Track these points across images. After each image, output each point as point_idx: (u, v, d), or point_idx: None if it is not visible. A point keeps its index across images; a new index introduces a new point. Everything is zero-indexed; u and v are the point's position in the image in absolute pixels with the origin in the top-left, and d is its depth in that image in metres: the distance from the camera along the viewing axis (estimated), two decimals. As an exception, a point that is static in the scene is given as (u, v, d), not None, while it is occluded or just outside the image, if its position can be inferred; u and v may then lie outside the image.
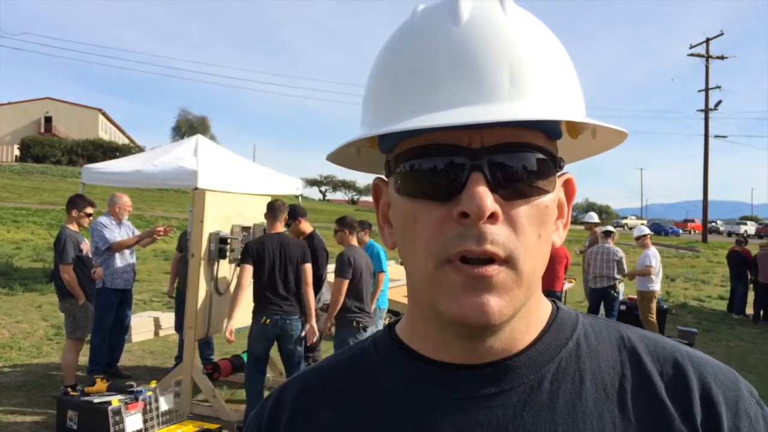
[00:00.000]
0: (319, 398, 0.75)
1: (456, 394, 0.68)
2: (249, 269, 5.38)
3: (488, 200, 0.60)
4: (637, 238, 10.14)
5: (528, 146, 0.64)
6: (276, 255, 5.43)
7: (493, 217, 0.61)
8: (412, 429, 0.68)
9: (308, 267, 5.62)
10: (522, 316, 0.67)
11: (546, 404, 0.66)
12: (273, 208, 5.63)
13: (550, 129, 0.66)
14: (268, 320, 5.36)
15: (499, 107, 0.61)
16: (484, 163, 0.62)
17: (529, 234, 0.63)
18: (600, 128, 0.69)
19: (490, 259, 0.61)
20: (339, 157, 0.76)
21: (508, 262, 0.62)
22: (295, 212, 6.34)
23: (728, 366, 0.71)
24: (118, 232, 6.96)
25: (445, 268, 0.62)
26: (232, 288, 6.23)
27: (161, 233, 7.26)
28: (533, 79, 0.63)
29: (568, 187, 0.73)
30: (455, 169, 0.62)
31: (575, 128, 0.70)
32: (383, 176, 0.74)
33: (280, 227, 5.65)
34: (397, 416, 0.69)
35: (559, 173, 0.68)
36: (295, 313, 5.51)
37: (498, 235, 0.61)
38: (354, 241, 6.10)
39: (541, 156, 0.64)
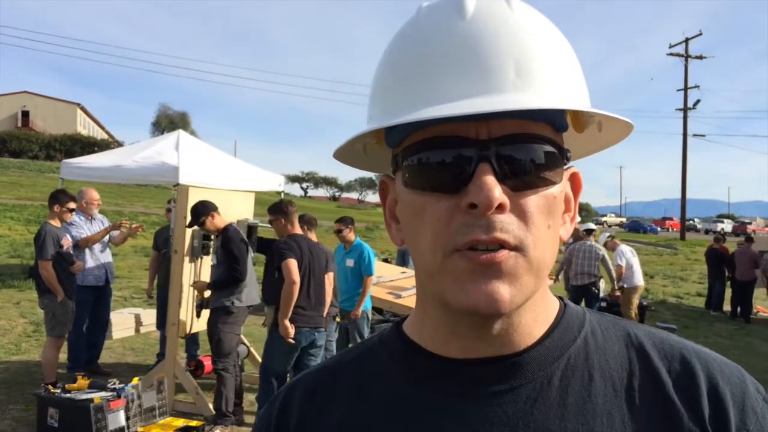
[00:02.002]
0: (328, 397, 0.75)
1: (466, 391, 0.68)
2: (295, 263, 4.96)
3: (496, 191, 0.60)
4: (605, 244, 10.32)
5: (535, 137, 0.64)
6: (309, 259, 5.13)
7: (501, 208, 0.61)
8: (421, 427, 0.68)
9: (332, 276, 5.38)
10: (529, 308, 0.68)
11: (556, 401, 0.66)
12: (288, 210, 5.29)
13: (556, 121, 0.66)
14: (296, 334, 5.05)
15: (505, 98, 0.61)
16: (491, 154, 0.62)
17: (538, 224, 0.63)
18: (605, 121, 0.69)
19: (500, 247, 0.61)
20: (345, 155, 0.76)
21: (519, 248, 0.62)
22: (204, 209, 5.40)
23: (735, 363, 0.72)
24: (89, 228, 6.86)
25: (453, 256, 0.62)
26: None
27: (125, 225, 7.08)
28: (539, 71, 0.63)
29: (575, 181, 0.74)
30: (463, 160, 0.62)
31: (580, 122, 0.70)
32: (390, 174, 0.74)
33: (299, 228, 5.39)
34: (407, 414, 0.69)
35: (565, 166, 0.68)
36: (322, 325, 5.27)
37: (507, 224, 0.61)
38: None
39: (548, 147, 0.64)
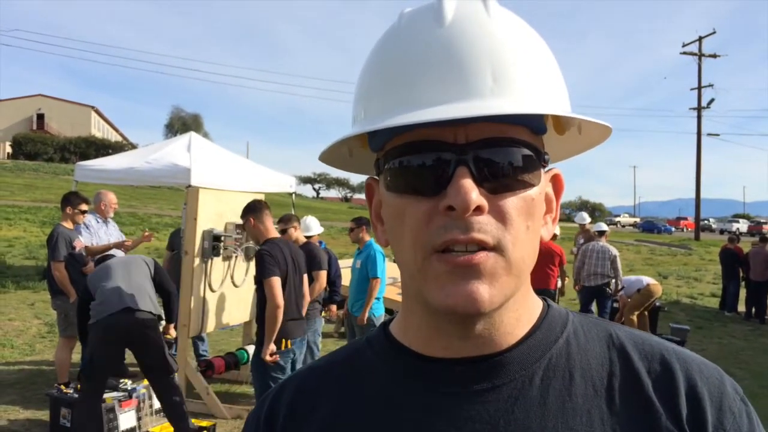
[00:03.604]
0: (315, 396, 0.76)
1: (449, 390, 0.69)
2: (279, 282, 4.53)
3: (473, 194, 0.61)
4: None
5: (512, 141, 0.65)
6: (291, 265, 4.75)
7: (479, 210, 0.62)
8: (406, 425, 0.69)
9: (305, 278, 5.11)
10: (512, 308, 0.69)
11: (536, 400, 0.67)
12: (258, 208, 4.80)
13: (533, 124, 0.67)
14: (289, 343, 4.72)
15: (481, 103, 0.62)
16: (469, 158, 0.63)
17: (517, 225, 0.64)
18: (585, 124, 0.70)
19: (478, 248, 0.62)
20: (331, 157, 0.77)
21: (497, 249, 0.63)
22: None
23: (715, 363, 0.72)
24: (105, 231, 6.88)
25: (432, 258, 0.64)
26: (215, 286, 6.22)
27: (128, 245, 6.92)
28: (515, 76, 0.64)
29: (556, 182, 0.75)
30: (442, 164, 0.64)
31: (561, 124, 0.72)
32: (376, 176, 0.75)
33: (273, 230, 4.95)
34: (391, 413, 0.70)
35: (546, 168, 0.70)
36: (305, 329, 5.10)
37: (485, 224, 0.63)
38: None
39: (525, 150, 0.66)
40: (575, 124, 0.72)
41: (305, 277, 5.14)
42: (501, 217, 0.64)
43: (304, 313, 5.16)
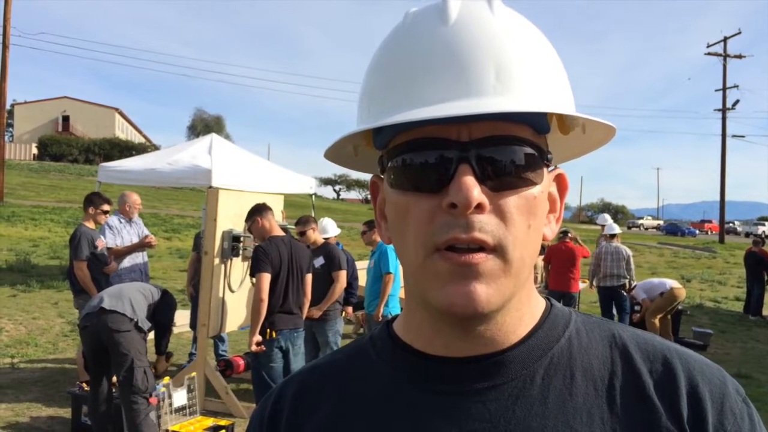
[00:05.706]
0: (318, 395, 0.77)
1: (450, 389, 0.69)
2: (268, 278, 4.88)
3: (475, 191, 0.62)
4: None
5: (515, 139, 0.65)
6: (288, 262, 5.06)
7: (480, 208, 0.62)
8: (407, 423, 0.69)
9: (309, 277, 5.29)
10: (514, 308, 0.69)
11: (537, 399, 0.67)
12: (262, 209, 5.17)
13: (537, 123, 0.67)
14: (275, 333, 5.00)
15: (484, 101, 0.63)
16: (471, 155, 0.63)
17: (518, 224, 0.65)
18: (589, 124, 0.70)
19: (479, 248, 0.63)
20: (338, 156, 0.78)
21: (497, 250, 0.63)
22: None
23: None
24: (128, 231, 6.93)
25: (433, 256, 0.64)
26: (234, 286, 6.27)
27: (153, 243, 7.09)
28: (519, 75, 0.65)
29: (561, 182, 0.75)
30: (444, 161, 0.64)
31: (565, 124, 0.72)
32: (380, 173, 0.75)
33: (278, 229, 5.29)
34: (392, 411, 0.71)
35: (550, 168, 0.70)
36: (302, 326, 5.27)
37: (486, 224, 0.63)
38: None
39: (528, 149, 0.66)
40: (579, 124, 0.71)
41: (309, 277, 5.33)
42: (502, 215, 0.64)
43: (305, 310, 5.37)
